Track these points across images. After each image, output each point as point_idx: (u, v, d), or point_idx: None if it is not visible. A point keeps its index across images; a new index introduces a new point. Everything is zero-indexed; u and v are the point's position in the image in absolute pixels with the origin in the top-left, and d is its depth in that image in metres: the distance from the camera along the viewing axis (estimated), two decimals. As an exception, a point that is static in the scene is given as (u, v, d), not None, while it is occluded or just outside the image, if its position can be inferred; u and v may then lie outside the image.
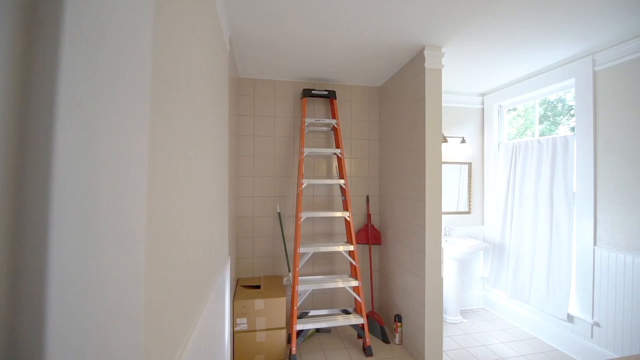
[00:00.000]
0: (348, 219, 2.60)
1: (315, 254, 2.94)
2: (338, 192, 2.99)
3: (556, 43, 2.22)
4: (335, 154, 2.80)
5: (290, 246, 2.87)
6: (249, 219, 2.85)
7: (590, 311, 2.33)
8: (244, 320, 2.28)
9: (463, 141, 3.28)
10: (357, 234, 2.99)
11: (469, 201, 3.39)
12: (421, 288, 2.27)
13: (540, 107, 3.02)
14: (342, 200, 2.78)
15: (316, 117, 2.96)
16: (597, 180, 2.32)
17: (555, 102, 3.03)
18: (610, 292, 2.22)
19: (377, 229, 3.07)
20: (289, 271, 2.75)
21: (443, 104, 3.31)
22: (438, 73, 2.26)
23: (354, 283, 2.49)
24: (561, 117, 2.97)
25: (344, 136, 3.04)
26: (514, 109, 3.29)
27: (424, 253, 2.23)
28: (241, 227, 2.83)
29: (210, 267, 1.29)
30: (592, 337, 2.32)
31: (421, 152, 2.28)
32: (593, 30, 2.05)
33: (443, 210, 3.30)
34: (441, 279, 2.24)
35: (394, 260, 2.75)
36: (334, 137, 2.95)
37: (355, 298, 2.56)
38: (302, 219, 2.52)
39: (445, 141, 3.23)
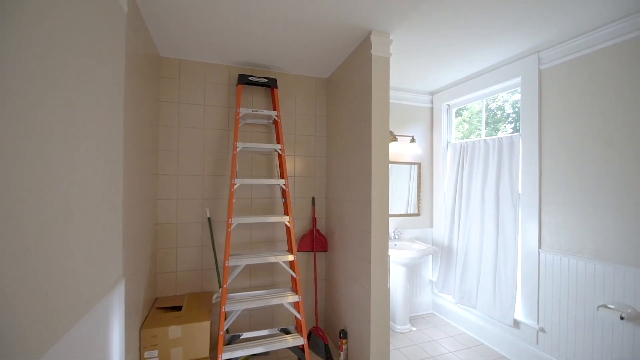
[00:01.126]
0: (288, 224, 2.27)
1: (253, 264, 2.56)
2: (280, 194, 2.65)
3: (504, 39, 2.13)
4: (275, 150, 2.46)
5: (221, 257, 2.47)
6: (172, 226, 2.39)
7: (536, 316, 2.27)
8: (155, 353, 1.83)
9: (413, 140, 3.14)
10: (302, 240, 2.68)
11: (419, 203, 3.26)
12: (367, 301, 2.02)
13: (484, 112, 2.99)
14: (283, 203, 2.45)
15: (255, 107, 2.59)
16: (542, 182, 2.28)
17: (495, 110, 3.02)
18: (555, 297, 2.17)
19: (323, 234, 2.79)
20: (220, 287, 2.34)
21: (393, 101, 3.15)
22: (385, 62, 2.04)
23: (294, 298, 2.16)
24: (500, 124, 2.96)
25: (287, 131, 2.71)
26: (460, 114, 3.24)
27: (370, 262, 1.98)
28: (161, 235, 2.36)
29: (80, 295, 0.87)
30: (537, 343, 2.26)
31: (367, 149, 2.04)
32: (539, 28, 1.97)
33: (392, 212, 3.13)
34: (388, 291, 2.02)
35: (340, 268, 2.49)
36: (274, 132, 2.61)
37: (295, 316, 2.24)
38: (233, 226, 2.14)
39: (395, 139, 3.06)
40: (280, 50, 2.30)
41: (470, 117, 3.22)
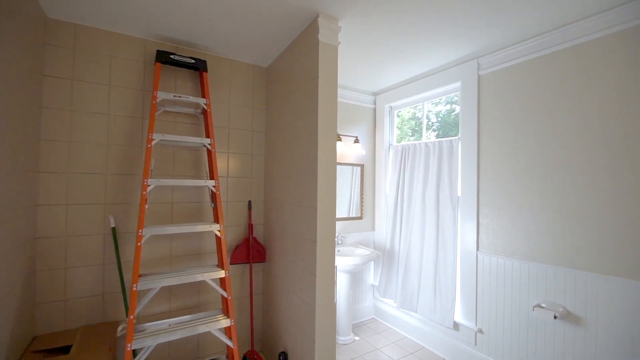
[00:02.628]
0: (219, 234, 1.91)
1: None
2: (210, 197, 2.25)
3: (445, 43, 2.13)
4: (204, 145, 2.07)
5: (130, 277, 1.97)
6: (59, 240, 1.82)
7: (474, 318, 2.30)
8: (19, 421, 1.31)
9: (357, 141, 3.02)
10: (236, 250, 2.32)
11: (361, 206, 3.16)
12: (311, 317, 1.78)
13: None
14: (213, 209, 2.07)
15: (178, 93, 2.15)
16: (480, 185, 2.32)
17: (420, 118, 3.08)
18: (492, 298, 2.21)
19: (261, 242, 2.47)
20: (127, 316, 1.86)
21: (337, 99, 2.99)
22: (334, 51, 1.83)
23: (225, 323, 1.81)
24: (427, 131, 3.03)
25: (219, 124, 2.33)
26: (399, 116, 3.24)
27: (315, 274, 1.75)
28: (44, 253, 1.78)
29: None
30: (475, 345, 2.29)
31: (313, 147, 1.80)
32: (478, 35, 1.99)
33: (336, 216, 2.95)
34: (334, 305, 1.81)
35: (281, 281, 2.20)
36: (203, 123, 2.21)
37: (226, 344, 1.88)
38: (144, 238, 1.70)
39: (339, 139, 2.90)
40: (212, 28, 1.92)
41: (403, 122, 3.23)
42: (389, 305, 3.04)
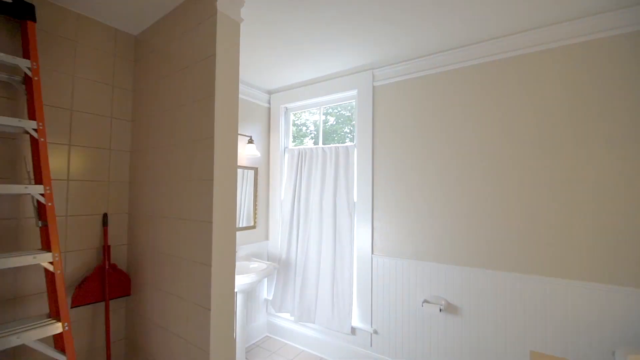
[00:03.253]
0: (50, 267, 1.26)
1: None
2: (35, 211, 1.49)
3: (344, 50, 2.12)
4: (25, 131, 1.35)
5: None
6: None
7: (370, 320, 2.36)
8: None
9: (251, 141, 2.71)
10: (83, 284, 1.63)
11: (255, 214, 2.85)
12: (203, 364, 1.38)
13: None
14: (41, 228, 1.37)
15: (-28, 46, 1.34)
16: (375, 190, 2.41)
17: (300, 125, 3.11)
18: (385, 298, 2.31)
19: (124, 270, 1.84)
20: None
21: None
22: (236, 27, 1.51)
23: (61, 403, 1.18)
24: (304, 138, 3.08)
25: (58, 103, 1.60)
26: (296, 119, 3.12)
27: (209, 309, 1.36)
28: None
29: None
30: (371, 346, 2.34)
31: (207, 143, 1.42)
32: (372, 46, 2.05)
33: (226, 227, 2.54)
34: (234, 348, 1.46)
35: (154, 320, 1.67)
36: (26, 97, 1.46)
37: None
38: None
39: (231, 138, 2.51)
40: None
41: (298, 127, 3.15)
42: (284, 320, 2.83)
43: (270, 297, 2.87)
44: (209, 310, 1.36)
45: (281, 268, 2.81)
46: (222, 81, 1.43)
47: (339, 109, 2.85)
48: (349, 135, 2.78)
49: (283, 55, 2.20)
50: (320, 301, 2.56)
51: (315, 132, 2.95)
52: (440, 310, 2.01)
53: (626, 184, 1.60)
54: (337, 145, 2.62)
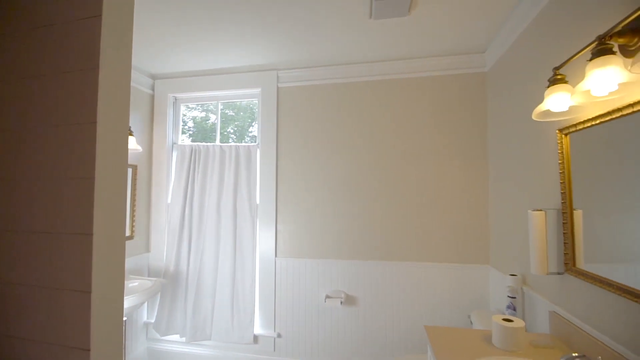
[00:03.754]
0: None
1: None
2: None
3: (249, 44, 2.03)
4: None
5: None
6: None
7: (273, 325, 2.30)
8: None
9: (130, 133, 2.23)
10: None
11: (132, 221, 2.36)
12: None
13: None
14: None
15: None
16: (278, 192, 2.38)
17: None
18: (289, 300, 2.30)
19: None
20: None
21: (99, 69, 2.07)
22: (131, -9, 1.21)
23: None
24: (183, 134, 2.89)
25: None
26: (189, 110, 2.77)
27: (88, 350, 1.03)
28: None
29: None
30: (274, 350, 2.29)
31: (85, 129, 1.08)
32: (277, 47, 2.06)
33: (94, 240, 2.01)
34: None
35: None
36: None
37: None
38: None
39: (103, 128, 2.00)
40: None
41: (192, 121, 2.83)
42: (172, 343, 2.44)
43: (153, 320, 2.42)
44: (88, 351, 1.03)
45: (168, 284, 2.42)
46: (110, 47, 1.11)
47: (236, 109, 2.69)
48: (249, 134, 2.66)
49: (176, 34, 1.91)
50: (218, 314, 2.33)
51: (213, 129, 2.69)
52: (341, 303, 2.15)
53: (469, 187, 2.11)
54: (238, 144, 2.46)
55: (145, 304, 2.45)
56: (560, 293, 1.27)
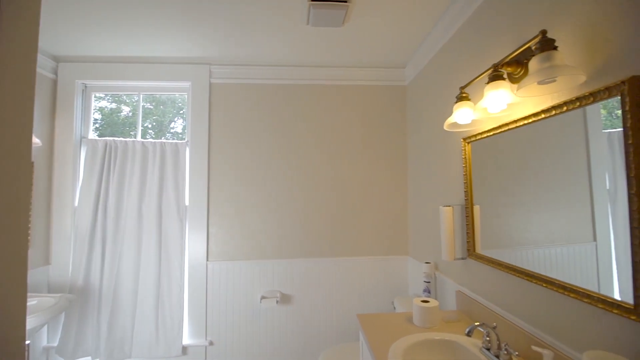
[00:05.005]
0: None
1: None
2: None
3: (179, 34, 1.89)
4: None
5: None
6: None
7: (204, 332, 2.19)
8: None
9: (24, 124, 1.86)
10: None
11: (29, 230, 1.97)
12: None
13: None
14: None
15: None
16: (210, 193, 2.28)
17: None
18: (222, 304, 2.22)
19: None
20: None
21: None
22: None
23: None
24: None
25: None
26: (98, 100, 2.44)
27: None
28: None
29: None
30: (206, 359, 2.18)
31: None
32: (209, 42, 1.98)
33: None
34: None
35: None
36: None
37: None
38: None
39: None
40: None
41: (104, 112, 2.48)
42: (77, 368, 2.12)
43: (56, 343, 2.07)
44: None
45: (76, 300, 2.10)
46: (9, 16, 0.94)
47: (155, 102, 2.48)
48: (171, 130, 2.48)
49: (88, 9, 1.67)
50: (140, 328, 2.12)
51: (125, 122, 2.42)
52: (277, 302, 2.17)
53: (392, 187, 2.36)
54: (164, 141, 2.28)
55: (45, 325, 2.08)
56: (464, 275, 1.52)
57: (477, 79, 1.24)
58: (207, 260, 2.24)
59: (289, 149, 2.32)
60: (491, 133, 1.26)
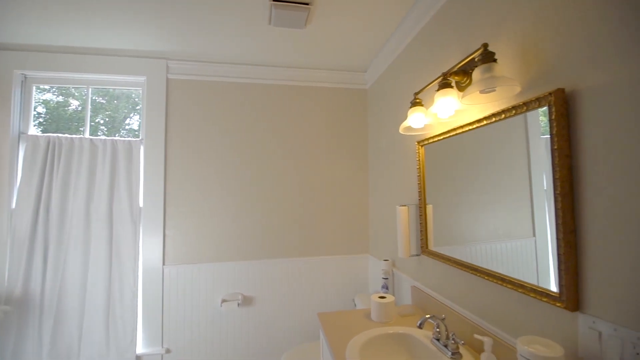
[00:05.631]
0: None
1: None
2: None
3: (133, 25, 1.78)
4: None
5: None
6: None
7: (160, 340, 2.09)
8: None
9: (-53, 117, 1.66)
10: None
11: (-50, 234, 1.76)
12: None
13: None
14: None
15: None
16: (167, 194, 2.18)
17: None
18: (180, 310, 2.14)
19: None
20: None
21: None
22: None
23: None
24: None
25: None
26: (41, 93, 2.23)
27: None
28: None
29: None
30: (162, 368, 2.08)
31: None
32: (167, 35, 1.89)
33: None
34: None
35: None
36: None
37: None
38: None
39: None
40: None
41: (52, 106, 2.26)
42: (13, 386, 1.92)
43: (-15, 361, 1.87)
44: None
45: (12, 311, 1.90)
46: None
47: (108, 96, 2.33)
48: (126, 127, 2.34)
49: None
50: (88, 338, 1.97)
51: (74, 118, 2.25)
52: (238, 305, 2.13)
53: (353, 188, 2.42)
54: (116, 138, 2.14)
55: (-28, 342, 1.86)
56: (419, 271, 1.60)
57: (429, 85, 1.31)
58: (164, 264, 2.14)
59: (250, 149, 2.29)
60: (442, 137, 1.34)
